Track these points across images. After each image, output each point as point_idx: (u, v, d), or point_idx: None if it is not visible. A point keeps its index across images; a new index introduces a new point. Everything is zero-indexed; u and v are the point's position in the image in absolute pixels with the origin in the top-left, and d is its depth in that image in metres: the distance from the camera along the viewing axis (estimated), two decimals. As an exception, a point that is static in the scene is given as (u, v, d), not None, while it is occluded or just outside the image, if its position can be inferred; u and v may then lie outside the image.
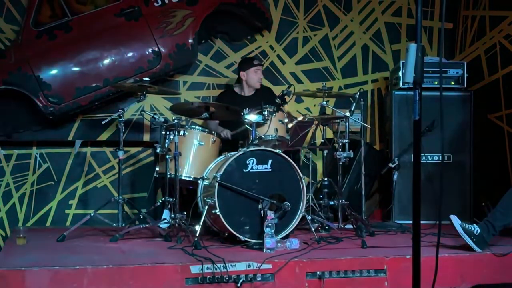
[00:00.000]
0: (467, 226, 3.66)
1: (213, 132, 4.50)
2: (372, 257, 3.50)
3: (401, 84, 5.14)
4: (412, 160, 2.23)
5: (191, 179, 4.30)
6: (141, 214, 4.41)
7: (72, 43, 4.86)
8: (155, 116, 4.64)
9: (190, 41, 5.00)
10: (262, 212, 3.75)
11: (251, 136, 4.07)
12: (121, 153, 4.35)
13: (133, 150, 5.37)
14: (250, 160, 3.88)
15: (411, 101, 2.13)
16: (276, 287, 3.26)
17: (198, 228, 3.77)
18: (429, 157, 5.06)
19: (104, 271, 3.13)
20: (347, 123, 4.58)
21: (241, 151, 3.90)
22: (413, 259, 1.90)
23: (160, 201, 4.43)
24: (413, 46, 2.04)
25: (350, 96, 5.08)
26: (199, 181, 4.12)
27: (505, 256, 3.66)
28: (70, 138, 5.24)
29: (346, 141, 4.56)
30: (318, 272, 3.35)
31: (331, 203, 4.62)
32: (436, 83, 4.99)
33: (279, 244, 3.65)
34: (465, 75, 5.19)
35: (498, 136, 5.26)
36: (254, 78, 4.90)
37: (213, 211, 3.77)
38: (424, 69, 5.74)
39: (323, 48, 5.83)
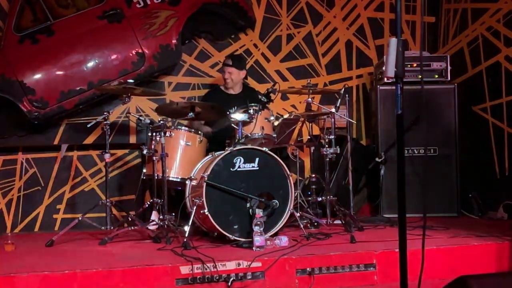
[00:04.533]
0: None
1: (199, 132, 4.49)
2: (361, 252, 3.51)
3: (385, 78, 5.16)
4: (397, 154, 2.23)
5: (178, 180, 4.30)
6: (129, 217, 4.40)
7: (55, 47, 4.84)
8: (140, 117, 4.62)
9: (174, 41, 5.00)
10: (250, 210, 3.76)
11: (238, 135, 4.07)
12: (107, 156, 4.34)
13: (119, 152, 5.36)
14: (237, 159, 3.88)
15: (394, 96, 2.13)
16: (266, 285, 3.27)
17: (187, 228, 3.78)
18: (415, 150, 5.09)
19: (93, 275, 3.12)
20: (333, 119, 4.59)
21: (228, 150, 3.90)
22: (399, 252, 1.91)
23: (148, 203, 4.42)
24: (393, 41, 2.05)
25: (335, 92, 5.08)
26: (186, 182, 4.12)
27: (493, 247, 3.71)
28: (56, 142, 5.22)
29: (333, 137, 4.58)
30: (308, 269, 3.35)
31: (319, 199, 4.64)
32: (420, 76, 5.01)
33: (268, 242, 3.66)
34: (449, 68, 5.22)
35: (483, 128, 5.30)
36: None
37: (201, 211, 3.77)
38: (408, 63, 5.81)
39: (307, 45, 5.85)
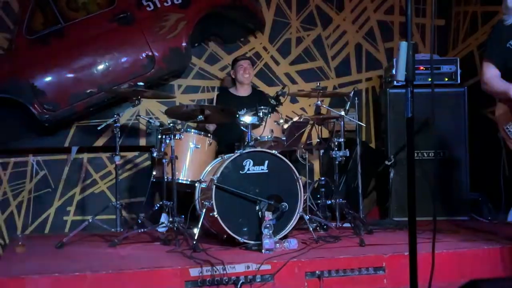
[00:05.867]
0: None
1: (209, 134, 4.51)
2: (370, 255, 3.50)
3: (395, 82, 5.15)
4: (407, 157, 2.23)
5: (188, 183, 4.31)
6: (139, 219, 4.41)
7: (66, 50, 4.85)
8: (150, 120, 4.64)
9: (184, 44, 5.00)
10: (260, 213, 3.75)
11: (247, 138, 4.07)
12: (117, 158, 4.36)
13: (129, 155, 5.37)
14: (246, 161, 3.88)
15: (404, 99, 2.13)
16: (275, 288, 3.28)
17: (196, 231, 3.76)
18: (425, 153, 5.07)
19: (103, 277, 3.13)
20: (342, 122, 4.59)
21: (237, 153, 3.90)
22: (409, 256, 1.91)
23: (158, 205, 4.42)
24: (404, 44, 2.05)
25: (344, 95, 5.08)
26: (196, 184, 4.12)
27: (503, 250, 3.69)
28: (66, 144, 5.24)
29: (342, 140, 4.57)
30: (317, 272, 3.35)
31: (329, 202, 4.64)
32: (430, 79, 4.99)
33: (277, 244, 3.65)
34: (459, 71, 5.20)
35: (494, 131, 5.26)
36: (239, 72, 4.98)
37: (211, 214, 3.77)
38: (417, 66, 5.78)
39: (316, 48, 5.85)
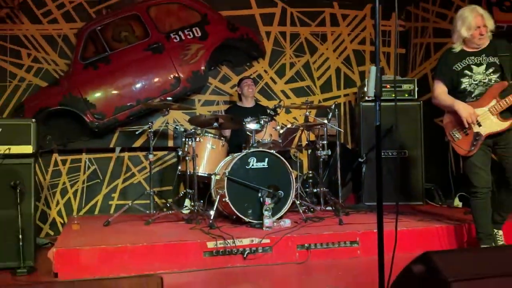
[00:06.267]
0: None
1: (222, 137, 4.51)
2: (347, 232, 3.52)
3: (366, 97, 5.14)
4: (376, 155, 2.22)
5: (205, 175, 4.31)
6: (167, 203, 4.41)
7: (111, 72, 4.86)
8: (176, 127, 4.65)
9: (202, 68, 5.00)
10: (261, 199, 3.76)
11: (251, 141, 4.08)
12: (151, 156, 4.36)
13: (160, 153, 5.35)
14: (251, 159, 3.89)
15: (373, 111, 2.12)
16: (273, 257, 3.28)
17: (212, 213, 3.78)
18: (389, 153, 5.06)
19: (140, 248, 3.15)
20: (325, 128, 4.57)
21: (244, 152, 3.91)
22: (378, 232, 1.91)
23: (182, 193, 4.43)
24: (373, 68, 2.04)
25: (327, 107, 5.07)
26: (212, 176, 4.13)
27: (449, 228, 3.68)
28: (111, 145, 5.23)
29: (325, 142, 4.56)
30: (306, 244, 3.36)
31: (315, 190, 4.63)
32: (393, 95, 4.99)
33: (275, 223, 3.66)
34: (416, 88, 5.17)
35: (442, 135, 5.25)
36: (244, 88, 4.98)
37: (223, 199, 3.78)
38: (384, 85, 5.76)
39: (305, 71, 5.82)
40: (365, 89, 5.13)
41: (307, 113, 4.54)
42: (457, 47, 3.25)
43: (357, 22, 5.96)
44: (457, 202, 4.92)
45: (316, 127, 4.74)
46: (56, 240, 3.60)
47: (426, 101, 5.37)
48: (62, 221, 5.04)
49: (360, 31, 5.96)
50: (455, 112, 3.22)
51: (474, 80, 3.19)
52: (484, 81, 3.17)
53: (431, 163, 5.24)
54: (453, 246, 3.59)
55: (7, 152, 3.34)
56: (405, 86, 5.18)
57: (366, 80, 5.16)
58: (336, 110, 4.79)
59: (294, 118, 5.73)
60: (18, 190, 3.30)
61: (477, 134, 3.16)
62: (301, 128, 4.63)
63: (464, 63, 3.22)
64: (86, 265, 3.05)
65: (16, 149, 3.37)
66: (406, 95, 5.18)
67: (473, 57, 3.20)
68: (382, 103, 2.05)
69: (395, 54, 5.86)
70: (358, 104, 5.36)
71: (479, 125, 3.16)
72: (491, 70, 3.17)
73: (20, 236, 3.25)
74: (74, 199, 5.13)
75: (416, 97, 5.19)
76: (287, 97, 5.76)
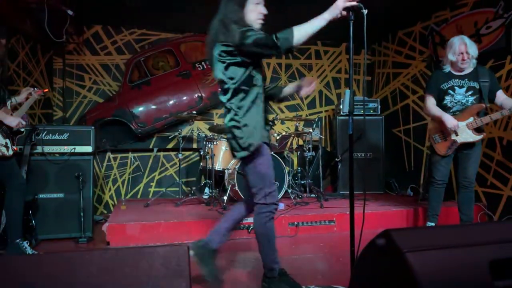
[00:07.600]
0: None
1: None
2: (326, 213, 3.50)
3: (342, 112, 5.13)
4: (349, 156, 2.22)
5: (220, 170, 4.30)
6: (192, 190, 4.40)
7: (151, 92, 4.87)
8: (199, 133, 4.64)
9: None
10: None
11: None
12: (180, 155, 4.36)
13: (187, 153, 5.36)
14: (255, 158, 3.87)
15: (347, 123, 2.12)
16: (271, 232, 3.26)
17: (225, 198, 3.77)
18: (359, 154, 5.04)
19: (172, 224, 3.15)
20: (311, 136, 4.57)
21: (250, 153, 3.89)
22: (350, 214, 1.90)
23: (203, 183, 4.42)
24: (347, 91, 2.05)
25: (312, 120, 5.07)
26: (225, 171, 4.12)
27: (403, 212, 3.66)
28: (150, 146, 5.24)
29: (310, 146, 4.55)
30: (295, 222, 3.35)
31: (302, 182, 4.61)
32: (362, 111, 4.97)
33: (272, 206, 3.64)
34: (379, 106, 5.16)
35: (398, 142, 5.25)
36: None
37: (234, 188, 3.77)
38: (356, 103, 5.71)
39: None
40: (341, 106, 5.13)
41: (297, 124, 4.54)
42: (446, 68, 3.09)
43: (335, 56, 5.95)
44: (409, 192, 4.90)
45: (304, 134, 4.74)
46: (109, 217, 3.60)
47: (387, 116, 5.37)
48: (113, 203, 5.04)
49: (337, 63, 5.95)
50: (439, 121, 3.07)
51: (454, 99, 3.06)
52: (462, 101, 3.04)
53: (390, 162, 5.23)
54: (407, 225, 3.58)
55: (73, 151, 3.37)
56: (371, 105, 5.17)
57: (341, 100, 5.16)
58: (319, 122, 4.79)
59: (287, 127, 5.72)
60: (80, 180, 3.33)
61: (454, 141, 3.05)
62: (292, 135, 4.63)
63: (449, 83, 3.07)
64: (131, 236, 3.06)
65: (79, 149, 3.41)
66: (372, 111, 5.17)
67: (457, 80, 3.06)
68: (354, 117, 2.05)
69: (364, 81, 5.85)
70: (335, 118, 5.35)
71: (457, 134, 3.05)
72: (470, 93, 3.03)
73: (82, 214, 3.28)
74: (122, 187, 5.14)
75: (379, 113, 5.18)
76: (282, 112, 5.76)
